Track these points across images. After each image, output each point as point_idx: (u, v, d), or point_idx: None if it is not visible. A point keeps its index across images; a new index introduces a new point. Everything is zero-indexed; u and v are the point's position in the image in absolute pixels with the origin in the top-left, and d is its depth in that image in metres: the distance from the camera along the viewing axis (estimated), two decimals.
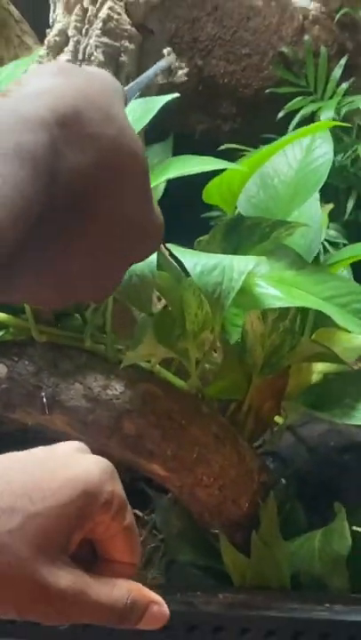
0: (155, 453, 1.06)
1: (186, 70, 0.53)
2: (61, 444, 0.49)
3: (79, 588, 0.45)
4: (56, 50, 1.04)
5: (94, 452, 0.51)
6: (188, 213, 1.21)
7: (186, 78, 0.61)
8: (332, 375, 1.12)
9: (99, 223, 0.42)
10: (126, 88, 0.49)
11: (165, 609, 0.49)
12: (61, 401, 1.06)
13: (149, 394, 1.06)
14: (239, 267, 0.90)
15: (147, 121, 0.95)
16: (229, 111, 1.44)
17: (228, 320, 1.14)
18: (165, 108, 1.47)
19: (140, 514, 1.31)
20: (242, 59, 1.40)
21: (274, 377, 1.15)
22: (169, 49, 0.61)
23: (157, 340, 1.00)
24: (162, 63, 0.63)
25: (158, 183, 0.99)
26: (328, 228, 1.41)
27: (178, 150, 1.42)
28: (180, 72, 0.63)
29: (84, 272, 0.44)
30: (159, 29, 1.01)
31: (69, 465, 0.47)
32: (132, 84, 0.52)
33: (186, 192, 1.15)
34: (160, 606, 0.49)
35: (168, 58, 0.64)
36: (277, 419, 1.28)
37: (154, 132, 1.38)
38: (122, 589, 0.47)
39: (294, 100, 1.39)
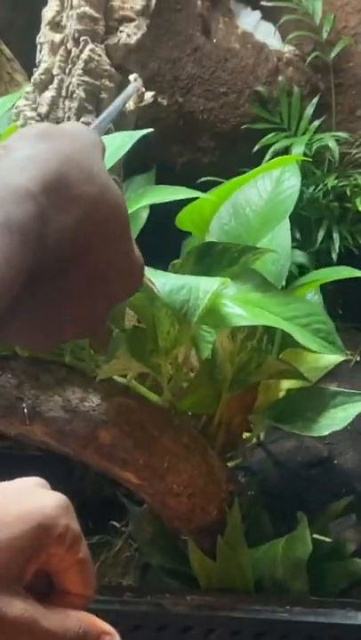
0: (128, 462, 1.13)
1: (152, 94, 0.58)
2: (20, 479, 0.52)
3: (31, 617, 0.46)
4: (41, 87, 1.12)
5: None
6: (164, 239, 1.29)
7: (152, 100, 0.67)
8: (294, 390, 1.20)
9: (85, 273, 0.45)
10: (98, 120, 0.54)
11: (117, 639, 0.50)
12: (41, 412, 1.13)
13: (124, 406, 1.13)
14: (205, 287, 0.98)
15: (123, 152, 1.03)
16: (208, 145, 1.53)
17: (200, 338, 1.22)
18: (148, 142, 1.56)
19: (118, 525, 1.38)
20: (220, 97, 1.49)
21: (243, 393, 1.23)
22: (135, 75, 0.65)
23: (131, 354, 1.08)
24: (129, 90, 0.66)
25: (135, 210, 1.06)
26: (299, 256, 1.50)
27: (160, 181, 1.50)
28: (147, 95, 0.68)
29: (71, 317, 0.47)
30: (137, 69, 1.09)
31: (24, 500, 0.49)
32: (103, 116, 0.55)
33: (163, 220, 1.24)
34: (112, 637, 0.50)
35: (134, 84, 0.67)
36: (249, 434, 1.35)
37: (137, 163, 1.47)
38: (73, 620, 0.48)
39: (269, 136, 1.48)
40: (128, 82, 1.11)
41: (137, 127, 1.56)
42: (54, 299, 0.45)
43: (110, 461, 1.13)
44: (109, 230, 0.45)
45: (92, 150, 0.46)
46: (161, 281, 0.99)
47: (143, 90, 0.68)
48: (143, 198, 1.07)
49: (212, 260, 1.15)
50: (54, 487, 0.51)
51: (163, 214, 1.20)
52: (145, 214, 1.52)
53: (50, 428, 1.13)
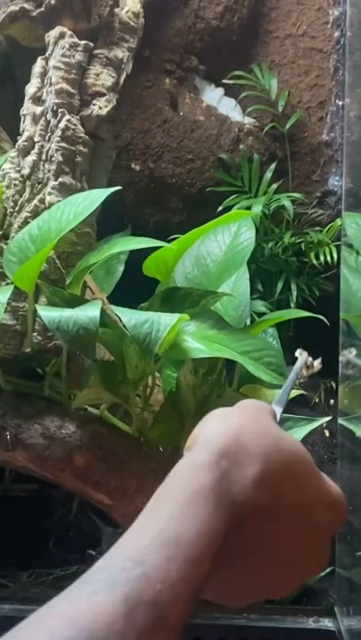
0: (101, 484, 1.25)
1: (319, 361, 0.63)
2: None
3: None
4: (24, 152, 1.27)
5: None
6: (136, 285, 1.43)
7: (320, 366, 0.74)
8: None
9: (285, 522, 0.54)
10: (278, 395, 0.64)
11: None
12: (23, 439, 1.25)
13: (97, 433, 1.26)
14: (165, 321, 1.12)
15: (93, 209, 1.18)
16: (177, 206, 1.69)
17: (165, 373, 1.35)
18: (124, 204, 1.72)
19: (93, 552, 1.48)
20: (187, 163, 1.66)
21: None
22: (300, 350, 0.70)
23: (102, 384, 1.21)
24: (297, 365, 0.71)
25: (103, 258, 1.21)
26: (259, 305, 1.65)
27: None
28: (316, 363, 0.73)
29: (264, 580, 0.55)
30: (108, 137, 1.25)
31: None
32: (281, 391, 0.64)
33: (135, 269, 1.38)
34: None
35: (301, 358, 0.76)
36: None
37: (115, 223, 1.63)
38: None
39: (231, 197, 1.65)
40: (101, 148, 1.27)
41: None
42: (248, 563, 0.53)
43: (85, 483, 1.26)
44: (296, 474, 0.54)
45: (261, 414, 0.58)
46: (127, 316, 1.13)
47: (311, 359, 0.77)
48: (113, 247, 1.22)
49: (175, 302, 1.29)
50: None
51: (139, 265, 1.34)
52: (120, 268, 1.67)
53: (30, 453, 1.25)
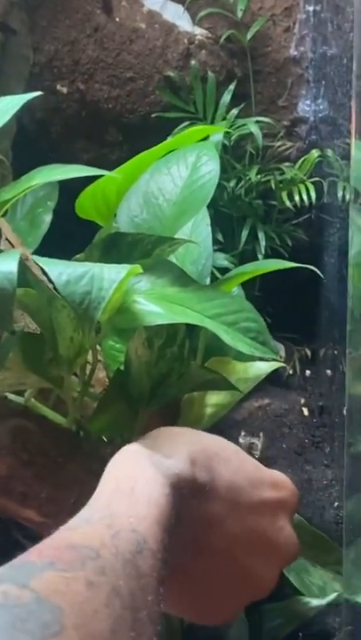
0: (28, 496, 0.94)
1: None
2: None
3: None
4: None
5: None
6: (68, 240, 1.13)
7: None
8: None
9: (226, 502, 0.58)
10: None
11: None
12: None
13: (20, 429, 0.95)
14: (110, 275, 0.81)
15: (3, 122, 0.86)
16: (115, 138, 1.37)
17: (109, 345, 1.05)
18: (49, 136, 1.39)
19: None
20: (126, 83, 1.34)
21: (164, 411, 1.06)
22: (244, 434, 0.96)
23: (26, 365, 0.89)
24: None
25: (21, 192, 0.89)
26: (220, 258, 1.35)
27: (64, 183, 1.34)
28: None
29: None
30: (22, 30, 0.93)
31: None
32: None
33: (67, 219, 1.07)
34: None
35: (245, 442, 0.94)
36: None
37: (39, 161, 1.30)
38: None
39: (182, 125, 1.33)
40: (13, 44, 0.94)
41: (37, 118, 1.39)
42: (204, 568, 0.57)
43: (6, 497, 0.94)
44: (223, 454, 0.61)
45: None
46: (56, 270, 0.81)
47: (256, 443, 0.93)
48: (34, 177, 0.90)
49: (121, 252, 0.98)
50: None
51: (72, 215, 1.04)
52: (48, 218, 1.35)
53: None
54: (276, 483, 0.59)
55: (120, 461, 0.61)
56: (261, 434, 0.99)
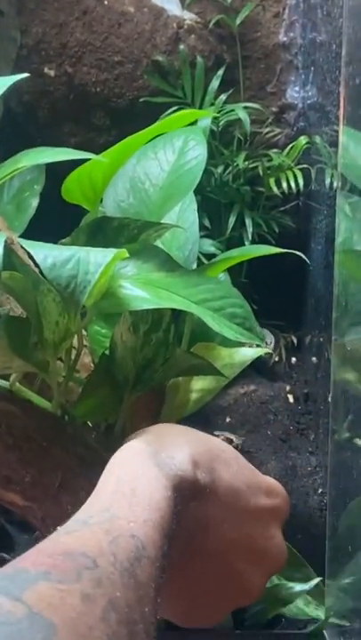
0: (11, 480, 0.94)
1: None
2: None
3: None
4: None
5: None
6: (55, 225, 1.12)
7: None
8: None
9: (225, 506, 0.56)
10: None
11: None
12: None
13: (4, 413, 0.94)
14: (96, 259, 0.80)
15: None
16: (103, 122, 1.36)
17: (94, 330, 1.04)
18: (35, 120, 1.38)
19: (8, 557, 1.18)
20: (114, 66, 1.32)
21: (149, 396, 1.06)
22: None
23: (11, 348, 0.89)
24: None
25: (7, 174, 0.88)
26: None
27: (51, 165, 1.33)
28: None
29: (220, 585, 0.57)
30: (10, 10, 0.92)
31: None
32: None
33: (54, 204, 1.06)
34: None
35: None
36: None
37: (26, 144, 1.29)
38: None
39: (170, 110, 1.32)
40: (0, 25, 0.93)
41: (24, 101, 1.38)
42: (199, 571, 0.56)
43: None
44: (223, 457, 0.59)
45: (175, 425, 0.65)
46: (42, 254, 0.81)
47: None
48: (21, 160, 0.89)
49: (107, 237, 0.98)
50: None
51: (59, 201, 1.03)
52: (34, 203, 1.34)
53: None
54: (270, 490, 0.59)
55: (123, 458, 0.58)
56: (235, 437, 1.00)
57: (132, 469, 0.55)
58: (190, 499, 0.54)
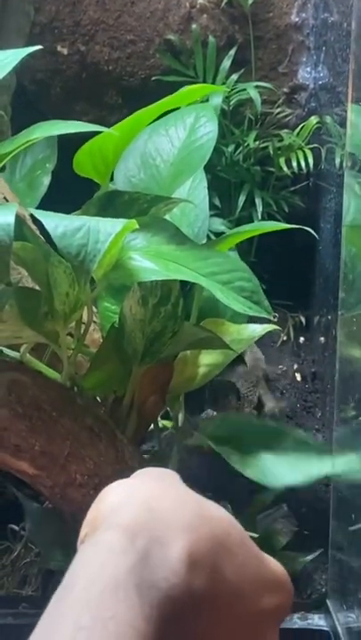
0: (21, 448, 0.95)
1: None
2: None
3: None
4: None
5: None
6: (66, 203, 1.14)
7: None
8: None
9: (224, 615, 0.45)
10: None
11: None
12: None
13: (15, 383, 0.95)
14: (106, 228, 0.81)
15: (7, 70, 0.86)
16: (115, 101, 1.37)
17: (103, 305, 1.06)
18: (49, 98, 1.39)
19: (17, 528, 1.20)
20: (127, 45, 1.33)
21: (157, 369, 1.07)
22: None
23: (22, 318, 0.90)
24: None
25: (20, 146, 0.89)
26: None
27: (63, 144, 1.34)
28: None
29: None
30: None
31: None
32: None
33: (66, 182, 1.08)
34: None
35: None
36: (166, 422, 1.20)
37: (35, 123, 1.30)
38: None
39: (182, 89, 1.33)
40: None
41: (37, 79, 1.39)
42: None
43: (1, 448, 0.95)
44: (229, 543, 0.46)
45: (170, 478, 0.47)
46: (52, 223, 0.82)
47: None
48: (33, 132, 0.91)
49: (117, 211, 0.99)
50: None
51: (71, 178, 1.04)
52: (46, 181, 1.35)
53: None
54: (276, 584, 0.50)
55: (93, 569, 0.40)
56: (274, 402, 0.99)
57: (98, 597, 0.38)
58: (178, 615, 0.43)
